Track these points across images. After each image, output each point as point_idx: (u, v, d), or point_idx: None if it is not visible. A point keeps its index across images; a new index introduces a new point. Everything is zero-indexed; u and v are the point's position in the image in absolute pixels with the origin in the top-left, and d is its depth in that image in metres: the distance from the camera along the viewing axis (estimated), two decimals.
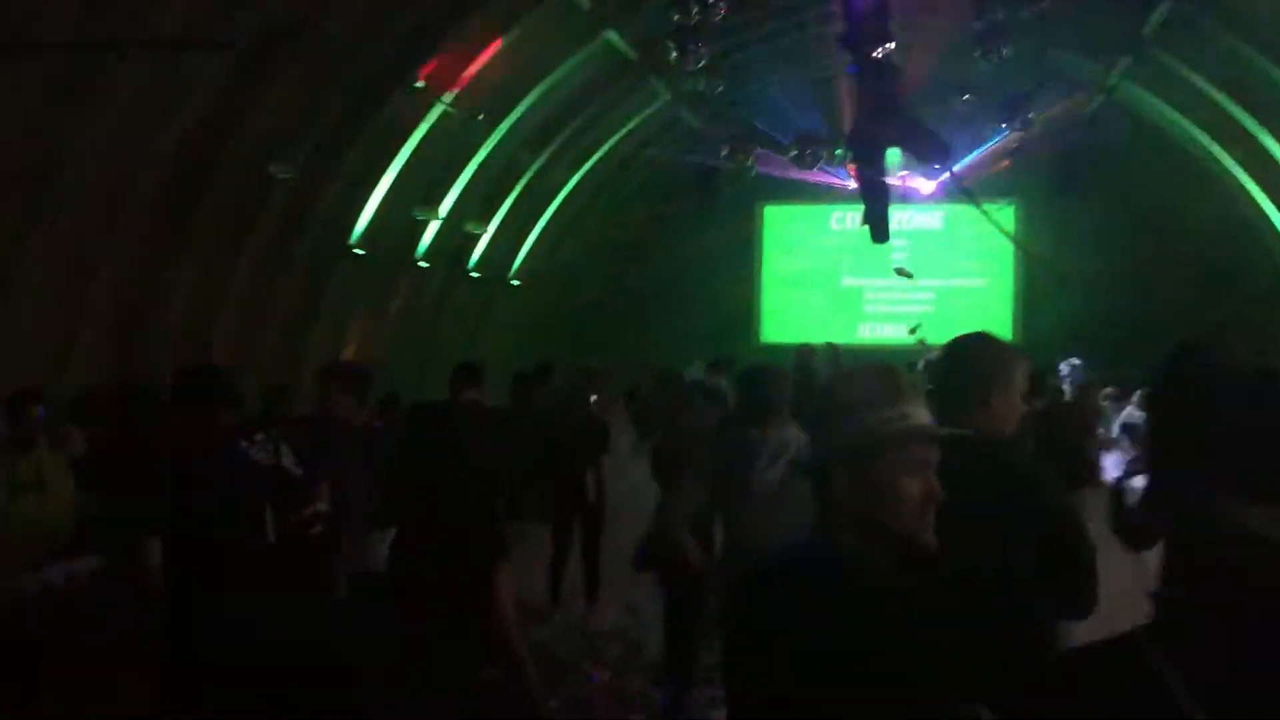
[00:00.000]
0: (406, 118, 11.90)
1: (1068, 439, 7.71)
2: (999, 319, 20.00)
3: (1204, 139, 15.17)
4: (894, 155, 14.53)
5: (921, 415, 1.83)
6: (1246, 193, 15.30)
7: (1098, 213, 17.97)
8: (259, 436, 4.57)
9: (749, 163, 15.79)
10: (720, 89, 15.16)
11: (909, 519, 1.81)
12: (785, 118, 16.38)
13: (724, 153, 15.59)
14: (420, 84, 11.55)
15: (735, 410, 6.18)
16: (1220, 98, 13.67)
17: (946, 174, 14.85)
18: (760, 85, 16.32)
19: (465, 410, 6.54)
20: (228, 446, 4.43)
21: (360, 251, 12.33)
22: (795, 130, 15.60)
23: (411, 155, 12.23)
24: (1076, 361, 11.80)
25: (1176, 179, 16.97)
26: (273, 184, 10.29)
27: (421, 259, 14.06)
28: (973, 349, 3.00)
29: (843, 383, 1.94)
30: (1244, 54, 12.26)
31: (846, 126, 14.68)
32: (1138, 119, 16.30)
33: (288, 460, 4.60)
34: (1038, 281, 19.17)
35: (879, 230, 13.23)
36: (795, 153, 14.96)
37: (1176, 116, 15.24)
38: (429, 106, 12.01)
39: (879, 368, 1.91)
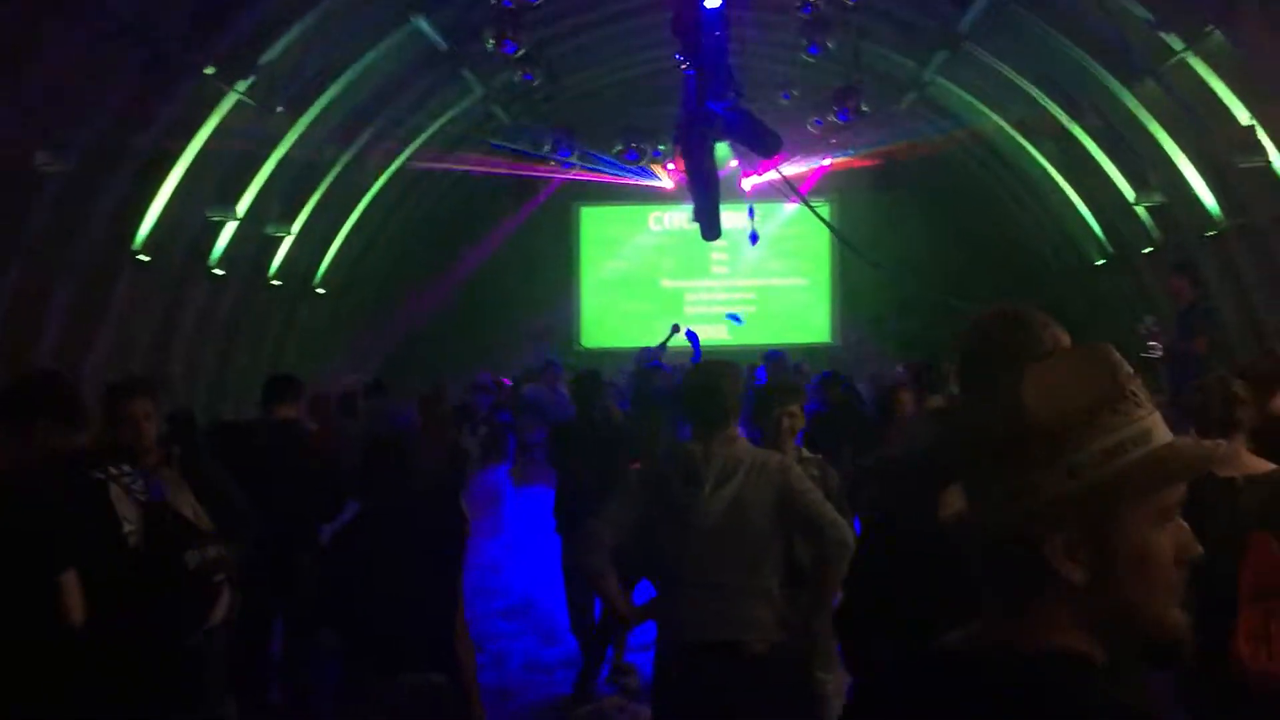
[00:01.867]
0: (196, 107, 10.70)
1: None
2: (818, 318, 20.06)
3: (1016, 134, 15.42)
4: (723, 150, 14.12)
5: (1158, 420, 1.17)
6: (1059, 189, 15.65)
7: (914, 210, 18.18)
8: (126, 467, 3.59)
9: (571, 159, 15.13)
10: (537, 83, 14.51)
11: (1164, 593, 1.15)
12: (606, 113, 15.86)
13: (546, 149, 14.85)
14: (211, 69, 10.38)
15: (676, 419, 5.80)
16: (1033, 91, 13.86)
17: (773, 171, 14.55)
18: (580, 79, 15.70)
19: (281, 430, 5.63)
20: (54, 476, 3.41)
21: (145, 258, 11.01)
22: (617, 126, 15.07)
23: (203, 149, 11.01)
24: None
25: (990, 175, 17.30)
26: (41, 179, 8.97)
27: (216, 266, 12.78)
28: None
29: (1044, 379, 1.15)
30: (1057, 45, 12.41)
31: (672, 121, 14.25)
32: (952, 115, 16.49)
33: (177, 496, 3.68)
34: (856, 280, 19.24)
35: (710, 227, 12.73)
36: (619, 148, 14.38)
37: (988, 112, 15.44)
38: (221, 95, 10.83)
39: (1085, 351, 1.20)
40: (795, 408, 4.64)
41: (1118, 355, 1.18)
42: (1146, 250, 14.20)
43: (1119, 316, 16.24)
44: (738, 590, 3.61)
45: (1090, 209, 15.48)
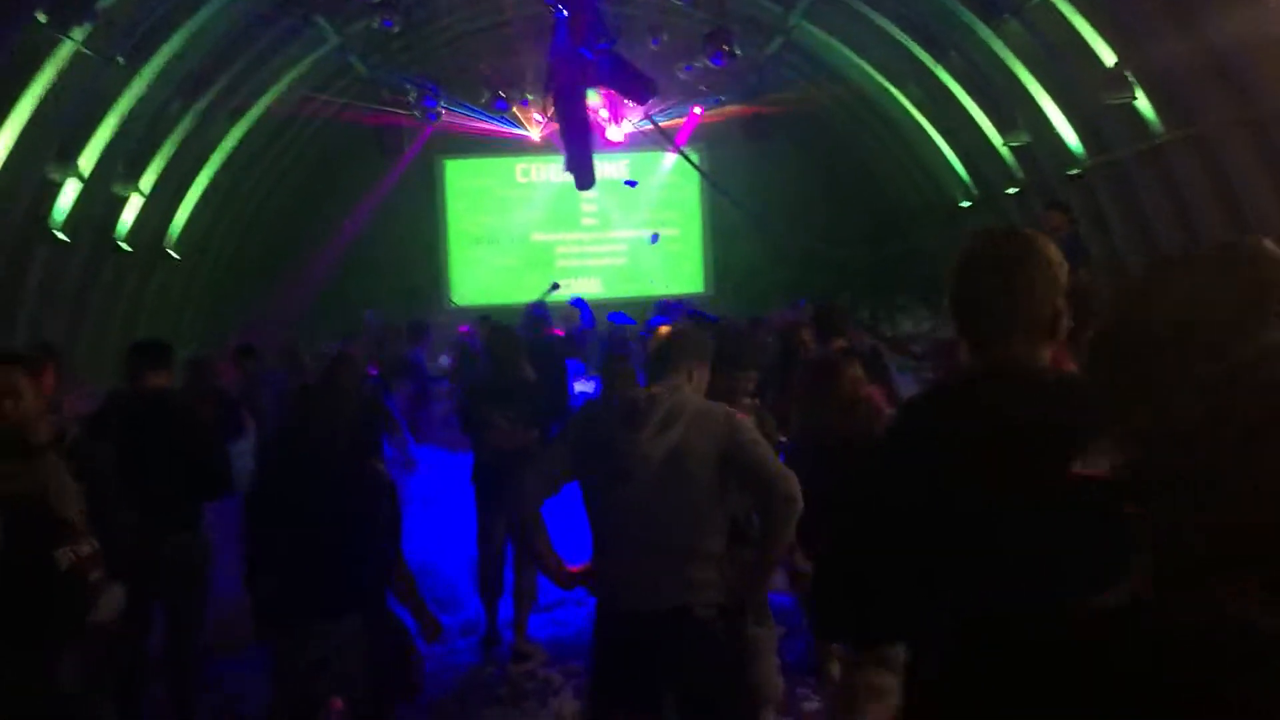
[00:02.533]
0: (29, 56, 9.87)
1: None
2: (690, 269, 19.99)
3: (882, 79, 15.50)
4: (593, 98, 13.79)
5: None
6: (924, 133, 15.81)
7: (781, 158, 18.17)
8: None
9: (437, 109, 14.59)
10: (397, 30, 13.91)
11: None
12: (470, 62, 15.35)
13: (410, 99, 14.27)
14: (43, 16, 9.58)
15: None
16: (897, 34, 13.92)
17: (643, 119, 14.33)
18: (440, 26, 15.14)
19: (153, 401, 5.18)
20: None
21: None
22: (481, 75, 14.59)
23: (40, 103, 10.18)
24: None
25: (856, 121, 17.39)
26: None
27: (59, 229, 11.91)
28: None
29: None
30: None
31: (538, 70, 13.87)
32: (818, 61, 16.49)
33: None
34: (728, 231, 19.21)
35: (583, 177, 12.46)
36: (486, 97, 13.93)
37: (853, 56, 15.48)
38: (56, 44, 10.01)
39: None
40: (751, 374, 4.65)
41: None
42: (1011, 190, 14.47)
43: None
44: (681, 551, 3.40)
45: (955, 151, 15.70)
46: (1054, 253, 2.08)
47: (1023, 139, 12.57)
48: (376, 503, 4.00)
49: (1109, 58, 10.51)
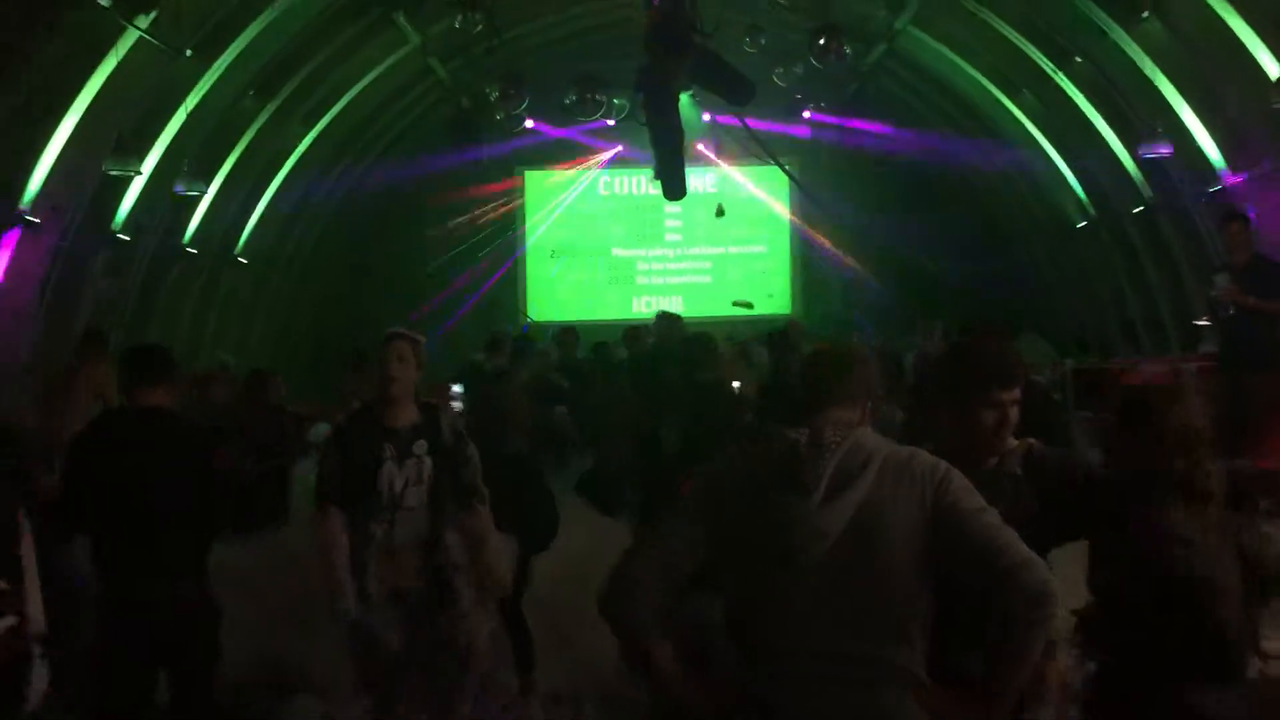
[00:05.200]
0: (90, 42, 9.29)
1: None
2: (779, 287, 19.00)
3: (992, 87, 14.43)
4: (686, 107, 12.92)
5: None
6: (1037, 144, 14.69)
7: (877, 170, 17.12)
8: None
9: (518, 112, 13.82)
10: (479, 29, 13.20)
11: None
12: (556, 68, 14.56)
13: (493, 97, 13.51)
14: (105, 0, 8.99)
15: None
16: (1015, 38, 12.86)
17: (740, 124, 13.44)
18: (526, 30, 14.39)
19: (144, 422, 4.30)
20: None
21: (34, 219, 9.59)
22: (568, 80, 13.81)
23: (101, 93, 9.59)
24: None
25: (960, 132, 16.29)
26: None
27: (121, 230, 11.36)
28: None
29: None
30: None
31: (626, 75, 13.07)
32: (921, 69, 15.46)
33: None
34: (817, 247, 18.19)
35: (673, 185, 11.63)
36: (572, 99, 13.13)
37: (962, 63, 14.43)
38: (120, 31, 9.42)
39: None
40: (1007, 393, 2.95)
41: None
42: (1137, 210, 13.29)
43: (1098, 280, 15.43)
44: (870, 666, 2.37)
45: (1070, 165, 14.55)
46: None
47: (1161, 151, 11.38)
48: None
49: (1267, 61, 9.38)
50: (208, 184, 12.14)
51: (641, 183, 17.15)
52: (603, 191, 18.83)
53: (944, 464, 2.50)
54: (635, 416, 6.84)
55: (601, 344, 11.42)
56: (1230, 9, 9.39)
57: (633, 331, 11.16)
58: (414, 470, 4.35)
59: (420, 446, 4.39)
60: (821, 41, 11.77)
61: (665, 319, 10.89)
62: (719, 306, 17.93)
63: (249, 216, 14.39)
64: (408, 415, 4.44)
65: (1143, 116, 11.79)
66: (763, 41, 13.30)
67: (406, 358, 4.41)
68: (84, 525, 4.18)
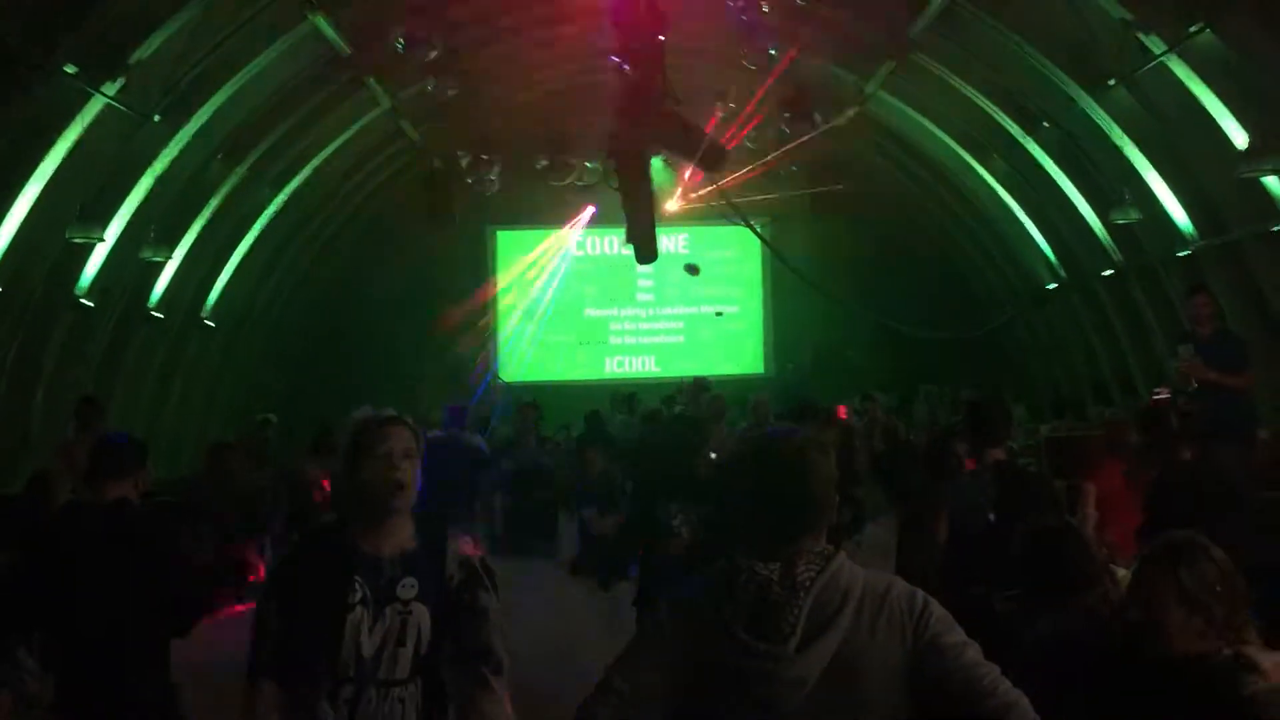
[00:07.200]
0: (55, 111, 9.17)
1: None
2: (750, 348, 18.96)
3: (962, 151, 14.52)
4: (659, 169, 12.94)
5: None
6: (1007, 209, 14.77)
7: (853, 233, 17.17)
8: None
9: (491, 176, 13.79)
10: (451, 94, 13.23)
11: None
12: (526, 129, 14.58)
13: (465, 163, 13.49)
14: (72, 68, 8.88)
15: None
16: (982, 103, 12.96)
17: (712, 187, 13.45)
18: (497, 92, 14.40)
19: (108, 518, 4.12)
20: None
21: None
22: (538, 142, 13.82)
23: (65, 161, 9.46)
24: None
25: (931, 196, 16.40)
26: None
27: (85, 296, 11.17)
28: None
29: None
30: (1014, 54, 11.49)
31: (597, 137, 13.07)
32: (891, 133, 15.55)
33: None
34: (791, 309, 18.13)
35: (645, 249, 11.58)
36: (544, 164, 13.12)
37: (932, 127, 14.52)
38: (86, 98, 9.31)
39: None
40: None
41: None
42: (1107, 273, 13.36)
43: (1068, 344, 15.48)
44: None
45: (1041, 229, 14.63)
46: None
47: (1130, 215, 11.46)
48: None
49: (1232, 128, 9.47)
50: (173, 249, 12.02)
51: (614, 243, 17.11)
52: (575, 251, 18.78)
53: (920, 594, 2.36)
54: (643, 499, 6.83)
55: (594, 413, 11.34)
56: (1197, 79, 9.48)
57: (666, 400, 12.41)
58: (396, 623, 2.91)
59: (408, 587, 2.94)
60: (790, 108, 11.80)
61: (697, 385, 11.66)
62: (693, 368, 17.83)
63: (216, 279, 14.23)
64: (398, 539, 2.99)
65: (1111, 182, 11.89)
66: (732, 106, 13.35)
67: (413, 455, 3.02)
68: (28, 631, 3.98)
